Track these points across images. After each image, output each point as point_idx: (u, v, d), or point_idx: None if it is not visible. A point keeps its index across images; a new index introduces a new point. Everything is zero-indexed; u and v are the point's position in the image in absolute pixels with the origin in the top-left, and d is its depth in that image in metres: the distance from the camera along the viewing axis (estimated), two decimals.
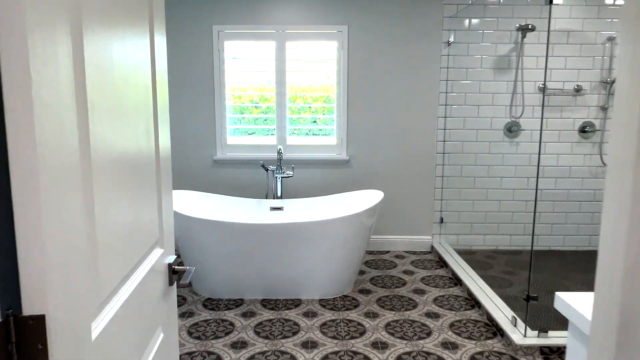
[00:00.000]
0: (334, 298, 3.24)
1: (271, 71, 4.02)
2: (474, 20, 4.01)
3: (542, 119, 2.74)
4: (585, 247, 4.30)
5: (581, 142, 4.17)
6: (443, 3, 3.96)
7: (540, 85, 4.08)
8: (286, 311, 3.05)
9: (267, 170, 3.76)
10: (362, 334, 2.78)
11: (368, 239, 3.34)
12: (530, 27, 3.84)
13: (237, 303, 3.16)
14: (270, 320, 2.94)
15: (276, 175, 3.75)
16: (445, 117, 4.13)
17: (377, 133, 4.15)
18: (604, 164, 4.17)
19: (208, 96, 4.06)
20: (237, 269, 3.13)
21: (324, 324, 2.90)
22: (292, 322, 2.92)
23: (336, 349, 2.62)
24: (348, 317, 2.97)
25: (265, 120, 4.11)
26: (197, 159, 4.15)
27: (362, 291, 3.36)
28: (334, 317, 2.97)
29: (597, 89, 4.10)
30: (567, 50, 4.03)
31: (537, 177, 3.08)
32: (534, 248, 4.31)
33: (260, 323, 2.90)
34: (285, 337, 2.74)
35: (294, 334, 2.78)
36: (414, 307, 3.12)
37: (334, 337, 2.74)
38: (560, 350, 2.55)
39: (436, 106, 4.11)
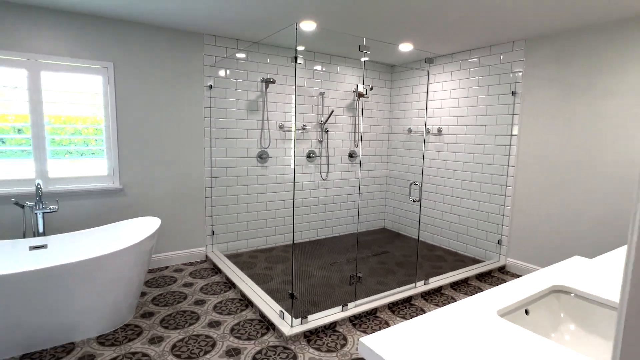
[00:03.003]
0: (114, 331, 2.36)
1: (24, 101, 2.76)
2: (229, 71, 3.63)
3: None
4: (314, 238, 4.44)
5: (307, 165, 4.28)
6: (203, 54, 3.46)
7: (280, 124, 3.99)
8: None
9: (22, 207, 2.54)
10: None
11: (149, 261, 2.57)
12: (272, 80, 3.69)
13: None
14: None
15: (36, 212, 2.57)
16: (211, 147, 3.62)
17: (150, 162, 3.33)
18: (323, 178, 4.38)
19: None
20: None
21: None
22: None
23: None
24: (131, 350, 2.17)
25: (23, 151, 2.81)
26: None
27: (144, 315, 2.56)
28: (115, 354, 2.12)
29: (315, 128, 4.27)
30: (297, 100, 4.06)
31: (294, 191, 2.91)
32: (282, 243, 4.22)
33: None
34: None
35: None
36: (197, 319, 2.52)
37: None
38: (317, 331, 2.39)
39: (202, 139, 3.56)
